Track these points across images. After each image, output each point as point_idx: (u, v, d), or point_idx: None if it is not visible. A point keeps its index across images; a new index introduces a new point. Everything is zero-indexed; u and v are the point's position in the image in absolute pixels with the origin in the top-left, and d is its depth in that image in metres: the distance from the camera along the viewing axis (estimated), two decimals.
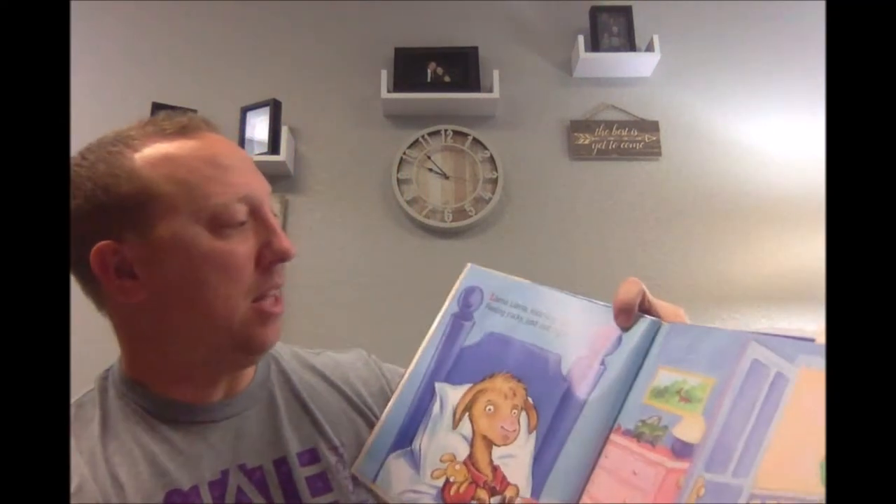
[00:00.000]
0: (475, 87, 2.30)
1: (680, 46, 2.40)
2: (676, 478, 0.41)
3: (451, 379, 0.58)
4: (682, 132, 2.31)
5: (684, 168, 2.28)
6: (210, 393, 0.61)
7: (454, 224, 2.20)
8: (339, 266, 2.20)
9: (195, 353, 0.58)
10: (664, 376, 0.47)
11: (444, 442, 0.55)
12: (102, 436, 0.56)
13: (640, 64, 2.34)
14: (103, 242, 0.53)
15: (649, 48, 2.31)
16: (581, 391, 0.50)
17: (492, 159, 2.25)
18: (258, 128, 2.26)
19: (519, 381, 0.54)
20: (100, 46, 2.37)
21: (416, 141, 2.30)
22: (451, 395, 0.57)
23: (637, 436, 0.45)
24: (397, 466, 0.56)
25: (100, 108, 2.26)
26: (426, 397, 0.58)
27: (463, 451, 0.53)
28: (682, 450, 0.42)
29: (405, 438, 0.57)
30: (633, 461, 0.44)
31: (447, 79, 2.34)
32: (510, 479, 0.50)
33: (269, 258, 0.57)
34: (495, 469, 0.51)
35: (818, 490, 0.34)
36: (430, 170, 2.28)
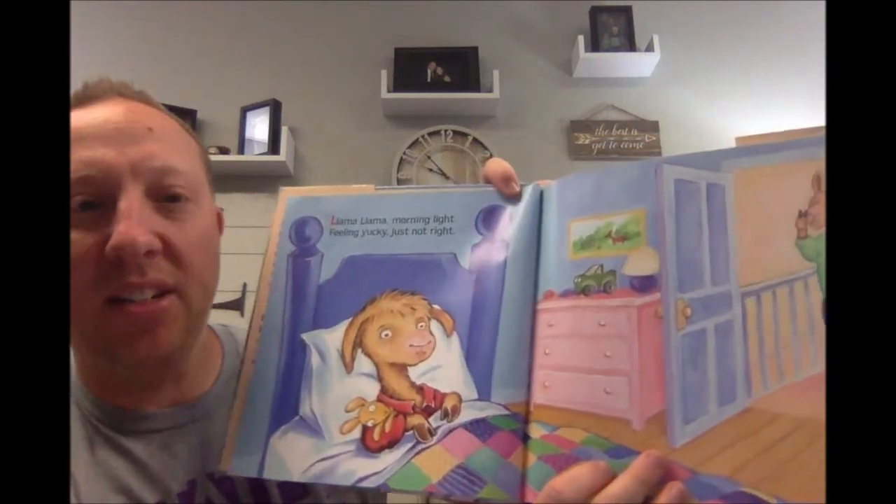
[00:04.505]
0: (475, 87, 2.31)
1: (680, 46, 2.40)
2: (652, 310, 0.40)
3: (320, 323, 0.48)
4: (682, 132, 2.32)
5: None
6: (158, 398, 0.53)
7: None
8: None
9: (90, 360, 0.50)
10: (581, 227, 0.45)
11: (342, 392, 0.46)
12: None
13: (640, 64, 2.34)
14: None
15: (649, 48, 2.31)
16: (493, 275, 0.46)
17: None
18: (258, 128, 2.26)
19: (413, 294, 0.47)
20: (100, 46, 2.37)
21: (416, 141, 2.30)
22: (329, 339, 0.48)
23: (583, 291, 0.43)
24: (288, 443, 0.45)
25: None
26: (296, 355, 0.48)
27: (372, 390, 0.45)
28: (644, 283, 0.41)
29: (285, 411, 0.46)
30: (593, 315, 0.42)
31: (447, 79, 2.34)
32: (444, 389, 0.44)
33: (109, 251, 0.44)
34: (420, 389, 0.44)
35: (802, 265, 0.37)
36: (430, 170, 2.28)
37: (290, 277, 0.51)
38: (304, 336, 0.49)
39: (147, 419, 0.52)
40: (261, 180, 2.26)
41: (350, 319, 0.48)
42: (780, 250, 0.38)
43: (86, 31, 2.34)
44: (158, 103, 0.54)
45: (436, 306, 0.47)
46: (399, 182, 2.25)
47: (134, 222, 0.45)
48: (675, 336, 0.39)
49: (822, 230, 0.37)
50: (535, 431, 0.41)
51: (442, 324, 0.46)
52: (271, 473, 0.45)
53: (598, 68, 2.35)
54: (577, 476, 0.37)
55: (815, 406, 0.34)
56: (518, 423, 0.42)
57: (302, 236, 0.52)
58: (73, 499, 0.47)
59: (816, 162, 0.38)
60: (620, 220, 0.43)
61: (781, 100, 2.32)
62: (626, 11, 2.39)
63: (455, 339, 0.45)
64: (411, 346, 0.46)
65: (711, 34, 2.42)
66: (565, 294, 0.44)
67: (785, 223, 0.38)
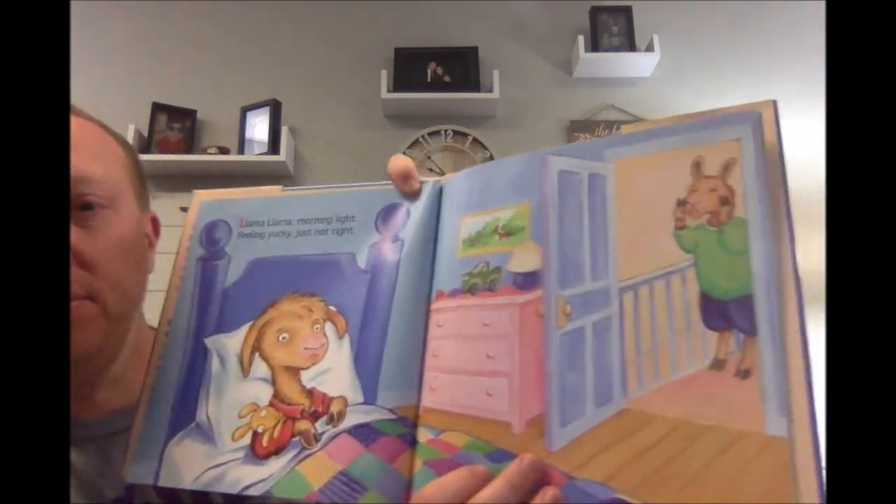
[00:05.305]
0: (475, 87, 2.30)
1: (680, 46, 2.40)
2: (534, 308, 0.39)
3: (224, 327, 0.48)
4: None
5: None
6: (94, 405, 0.54)
7: None
8: None
9: None
10: (470, 224, 0.44)
11: (237, 397, 0.45)
12: None
13: (640, 64, 2.34)
14: None
15: (649, 48, 2.31)
16: (386, 275, 0.45)
17: (492, 159, 2.25)
18: (258, 128, 2.26)
19: (312, 295, 0.47)
20: (100, 46, 2.37)
21: (416, 141, 2.30)
22: (230, 343, 0.47)
23: (469, 289, 0.42)
24: (183, 450, 0.45)
25: (100, 107, 2.26)
26: (198, 360, 0.48)
27: (266, 395, 0.45)
28: (526, 280, 0.40)
29: (183, 417, 0.46)
30: (478, 314, 0.41)
31: (447, 79, 2.34)
32: (332, 393, 0.43)
33: None
34: (310, 393, 0.44)
35: (679, 257, 0.35)
36: (431, 170, 2.28)
37: (198, 281, 0.50)
38: (207, 341, 0.48)
39: (83, 427, 0.53)
40: (261, 180, 2.26)
41: (251, 323, 0.48)
42: (658, 242, 0.36)
43: (86, 31, 2.34)
44: (79, 109, 0.54)
45: (332, 308, 0.46)
46: None
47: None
48: (555, 335, 0.38)
49: (701, 219, 0.35)
50: (423, 436, 0.40)
51: (335, 325, 0.45)
52: (166, 481, 0.45)
53: (598, 68, 2.35)
54: (449, 482, 0.37)
55: (689, 407, 0.33)
56: (405, 428, 0.41)
57: (211, 239, 0.51)
58: None
59: (695, 148, 0.36)
60: (507, 215, 0.42)
61: (781, 100, 2.31)
62: (626, 11, 2.39)
63: (346, 341, 0.44)
64: (306, 348, 0.45)
65: (711, 34, 2.42)
66: (454, 293, 0.43)
67: (663, 213, 0.36)
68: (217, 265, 0.50)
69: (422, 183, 0.47)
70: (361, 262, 0.47)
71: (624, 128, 0.39)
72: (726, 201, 0.35)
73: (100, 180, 0.50)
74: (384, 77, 2.27)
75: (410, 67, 2.34)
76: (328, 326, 0.45)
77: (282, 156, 2.19)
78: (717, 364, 0.33)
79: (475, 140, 2.29)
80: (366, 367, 0.43)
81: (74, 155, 0.48)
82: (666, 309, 0.35)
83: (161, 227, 0.60)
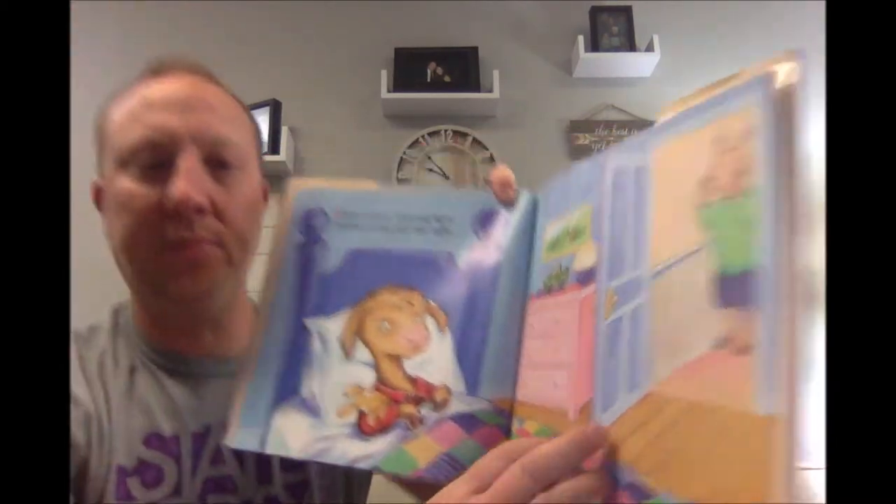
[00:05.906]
0: (475, 87, 2.30)
1: (680, 46, 2.39)
2: (590, 303, 0.41)
3: (323, 311, 0.51)
4: None
5: None
6: (198, 344, 0.60)
7: None
8: None
9: (148, 301, 0.59)
10: (553, 229, 0.47)
11: (341, 377, 0.48)
12: (104, 362, 0.58)
13: (640, 64, 2.34)
14: (95, 178, 0.60)
15: (649, 48, 2.31)
16: (486, 277, 0.48)
17: (492, 159, 2.25)
18: None
19: (411, 289, 0.50)
20: (99, 47, 2.37)
21: (416, 141, 2.30)
22: (331, 326, 0.50)
23: (548, 291, 0.45)
24: (289, 421, 0.48)
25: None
26: (299, 339, 0.50)
27: (368, 378, 0.48)
28: (585, 277, 0.42)
29: (287, 389, 0.49)
30: (551, 313, 0.44)
31: (447, 79, 2.33)
32: (435, 382, 0.46)
33: (168, 202, 0.51)
34: (414, 380, 0.47)
35: (701, 236, 0.34)
36: (430, 170, 2.28)
37: (297, 265, 0.54)
38: (307, 322, 0.51)
39: (184, 362, 0.59)
40: None
41: (351, 309, 0.51)
42: (684, 224, 0.35)
43: (86, 32, 2.34)
44: (222, 82, 0.62)
45: (431, 302, 0.49)
46: (399, 182, 2.24)
47: (191, 182, 0.52)
48: (603, 325, 0.39)
49: (721, 195, 0.34)
50: (515, 425, 0.44)
51: (436, 319, 0.48)
52: (272, 448, 0.47)
53: (597, 68, 2.35)
54: (518, 442, 0.39)
55: (699, 389, 0.32)
56: (503, 419, 0.45)
57: (309, 227, 0.55)
58: (102, 406, 0.54)
59: (716, 123, 0.35)
60: (575, 218, 0.45)
61: None
62: (626, 11, 2.39)
63: (448, 335, 0.48)
64: (408, 339, 0.48)
65: (711, 34, 2.42)
66: (539, 295, 0.46)
67: (689, 194, 0.36)
68: (314, 250, 0.54)
69: (519, 192, 0.51)
70: (461, 262, 0.50)
71: (659, 115, 0.40)
72: (742, 172, 0.33)
73: (237, 144, 0.57)
74: (384, 77, 2.27)
75: (410, 67, 2.33)
76: (428, 319, 0.49)
77: (282, 156, 2.19)
78: (722, 343, 0.32)
79: (475, 140, 2.29)
80: (468, 360, 0.46)
81: (217, 118, 0.56)
82: (684, 291, 0.35)
83: (269, 196, 0.67)
